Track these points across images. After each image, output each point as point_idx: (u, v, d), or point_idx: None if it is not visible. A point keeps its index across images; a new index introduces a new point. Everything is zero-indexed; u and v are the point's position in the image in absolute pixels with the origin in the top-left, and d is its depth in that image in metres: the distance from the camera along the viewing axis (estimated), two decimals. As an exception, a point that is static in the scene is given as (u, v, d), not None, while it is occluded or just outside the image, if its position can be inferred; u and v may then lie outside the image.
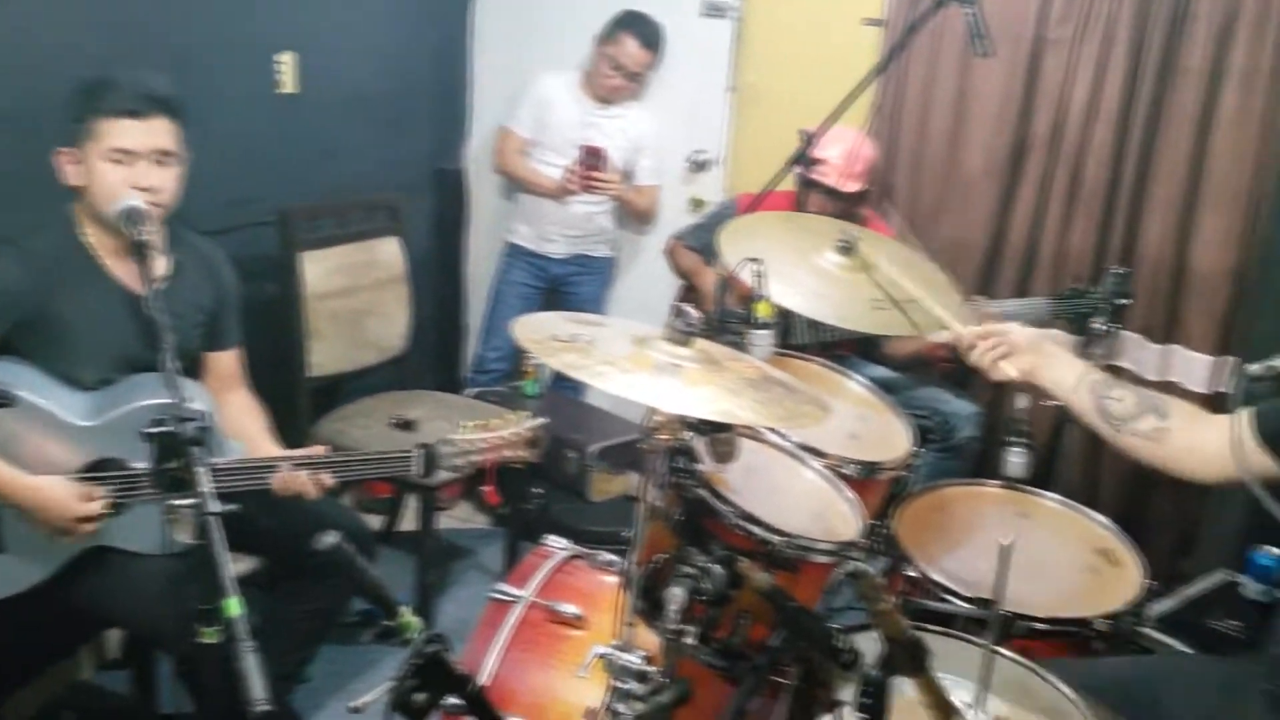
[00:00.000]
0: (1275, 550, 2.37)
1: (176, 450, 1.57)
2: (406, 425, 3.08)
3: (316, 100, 3.38)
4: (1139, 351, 3.47)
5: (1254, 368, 1.42)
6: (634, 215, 4.02)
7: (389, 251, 3.42)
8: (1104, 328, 2.87)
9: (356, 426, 3.11)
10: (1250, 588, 2.52)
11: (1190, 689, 1.82)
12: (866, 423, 2.41)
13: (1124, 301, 2.91)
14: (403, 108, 3.84)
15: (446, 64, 4.07)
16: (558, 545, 2.23)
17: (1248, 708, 1.72)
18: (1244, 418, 1.54)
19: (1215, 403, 3.38)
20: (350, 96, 3.55)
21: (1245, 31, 3.15)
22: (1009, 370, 1.91)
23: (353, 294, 3.30)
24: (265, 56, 3.22)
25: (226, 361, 2.44)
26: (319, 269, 3.20)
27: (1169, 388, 3.44)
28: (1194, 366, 3.39)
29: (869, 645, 1.51)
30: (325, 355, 3.23)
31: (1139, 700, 1.81)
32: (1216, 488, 1.90)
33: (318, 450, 2.22)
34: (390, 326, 3.43)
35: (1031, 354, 1.92)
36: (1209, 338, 3.35)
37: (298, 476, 2.14)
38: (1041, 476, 3.11)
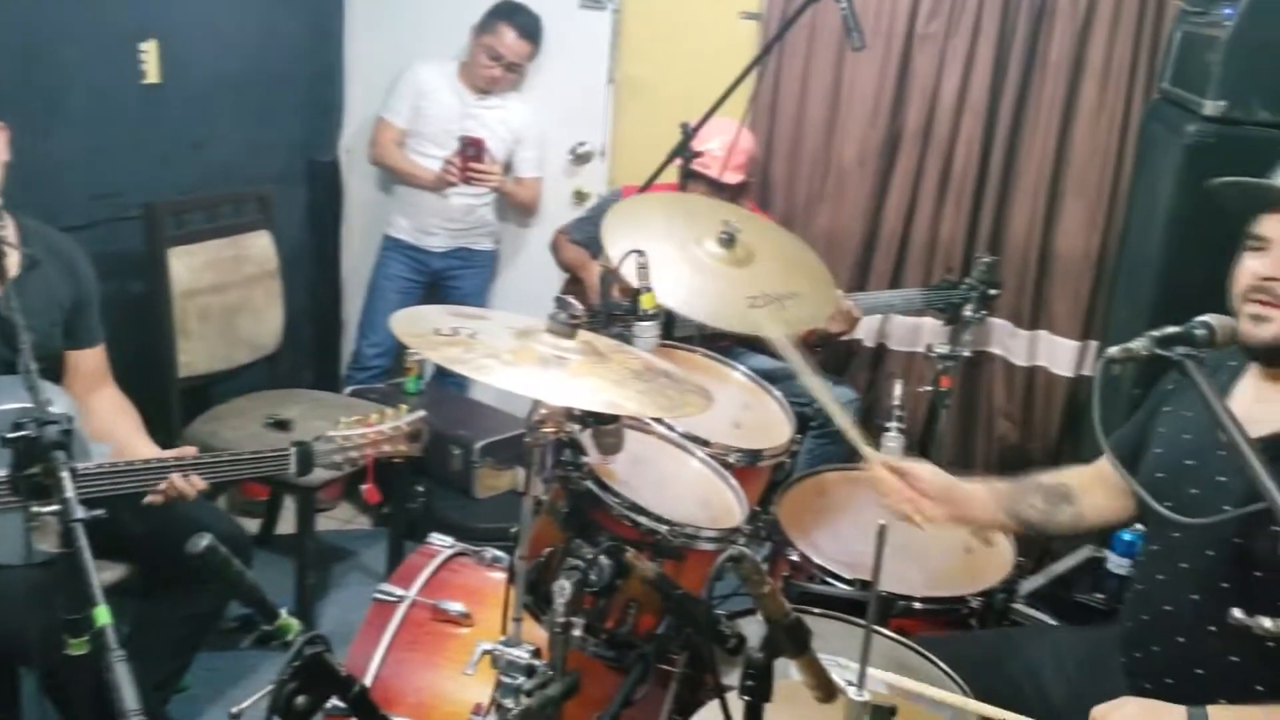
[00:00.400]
0: (1139, 526, 2.48)
1: (38, 455, 1.50)
2: (282, 425, 3.00)
3: (182, 90, 3.26)
4: (1008, 339, 3.60)
5: (1113, 351, 1.48)
6: (516, 208, 3.99)
7: (260, 246, 3.33)
8: (975, 316, 2.97)
9: (229, 427, 3.02)
10: (1114, 562, 2.64)
11: (1056, 661, 1.90)
12: (749, 411, 2.45)
13: (994, 292, 3.02)
14: (273, 97, 3.73)
15: (319, 52, 3.97)
16: (442, 543, 2.20)
17: (1107, 677, 1.80)
18: (1108, 457, 1.60)
19: (1079, 386, 3.53)
20: (217, 86, 3.43)
21: (1101, 29, 3.29)
22: (932, 516, 1.93)
23: (223, 291, 3.20)
24: (127, 45, 3.09)
25: (91, 359, 2.34)
26: (187, 265, 3.10)
27: (1037, 373, 3.58)
28: (1059, 351, 3.53)
29: (753, 629, 1.53)
30: (196, 355, 3.13)
31: (1010, 674, 1.88)
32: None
33: (188, 451, 2.15)
34: (263, 324, 3.34)
35: (943, 502, 1.93)
36: (1073, 323, 3.50)
37: (171, 480, 2.07)
38: (916, 459, 3.20)
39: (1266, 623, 1.04)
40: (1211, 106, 2.49)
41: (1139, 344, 1.47)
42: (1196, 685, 1.58)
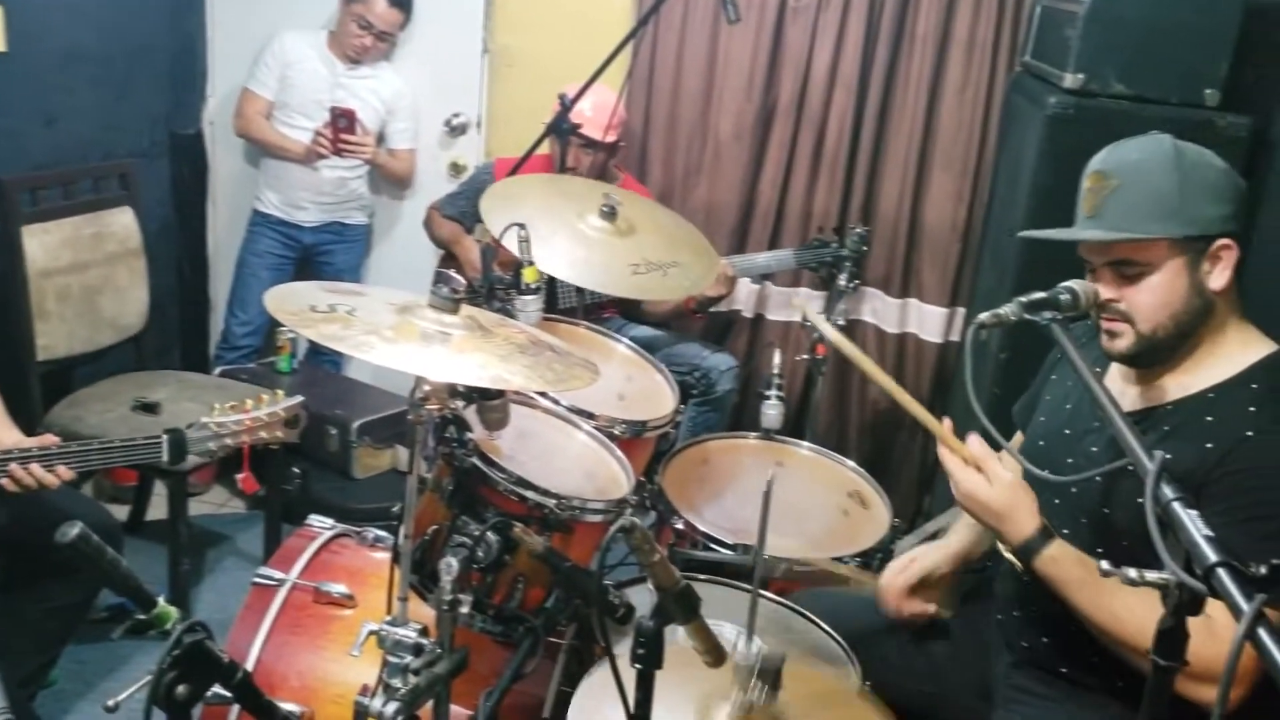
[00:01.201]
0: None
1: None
2: (150, 408, 2.90)
3: (31, 59, 3.09)
4: (879, 306, 3.69)
5: (983, 316, 1.53)
6: (390, 180, 3.92)
7: (122, 223, 3.20)
8: (849, 286, 3.04)
9: (94, 412, 2.90)
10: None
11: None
12: (633, 383, 2.46)
13: (865, 248, 3.09)
14: (131, 67, 3.57)
15: (180, 19, 3.80)
16: (322, 525, 2.16)
17: (984, 633, 1.87)
18: (979, 419, 1.62)
19: (947, 351, 3.65)
20: (70, 54, 3.26)
21: (966, 3, 3.38)
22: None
23: (83, 270, 3.07)
24: (-33, 10, 2.93)
25: None
26: (43, 243, 2.96)
27: (907, 339, 3.68)
28: (928, 318, 3.64)
29: (643, 597, 1.55)
30: (55, 337, 3.00)
31: (891, 626, 1.94)
32: None
33: (50, 440, 2.06)
34: (127, 303, 3.21)
35: (924, 584, 1.91)
36: (941, 291, 3.60)
37: (31, 470, 1.98)
38: (794, 426, 3.27)
39: (1131, 573, 1.09)
40: (1070, 79, 2.57)
41: (1008, 309, 1.52)
42: (1073, 642, 1.64)
